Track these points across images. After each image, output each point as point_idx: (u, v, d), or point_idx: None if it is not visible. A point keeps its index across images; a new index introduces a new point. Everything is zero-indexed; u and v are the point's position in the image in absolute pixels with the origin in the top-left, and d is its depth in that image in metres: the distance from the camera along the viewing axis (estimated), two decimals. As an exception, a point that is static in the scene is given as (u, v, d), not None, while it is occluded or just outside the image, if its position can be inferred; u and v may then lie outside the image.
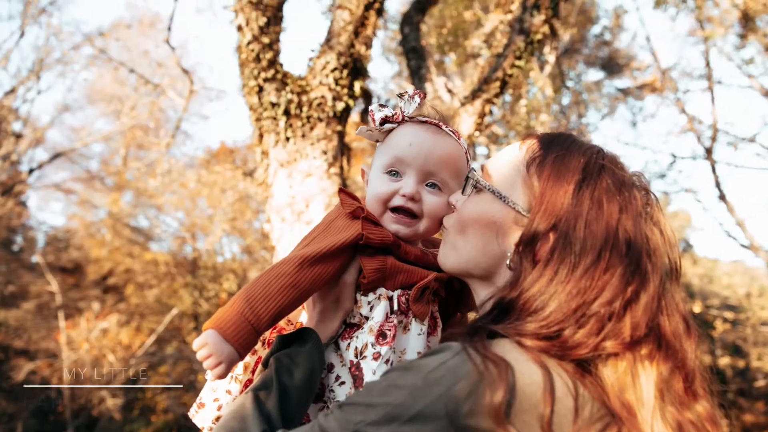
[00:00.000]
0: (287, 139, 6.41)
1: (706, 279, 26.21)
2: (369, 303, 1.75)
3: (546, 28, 8.23)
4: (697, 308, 20.51)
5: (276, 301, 1.57)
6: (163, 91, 21.93)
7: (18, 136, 22.21)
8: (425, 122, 1.86)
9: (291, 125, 6.42)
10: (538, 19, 8.11)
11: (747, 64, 17.45)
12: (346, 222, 1.78)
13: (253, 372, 1.85)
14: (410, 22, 10.35)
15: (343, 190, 1.87)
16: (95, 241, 25.17)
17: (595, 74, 23.22)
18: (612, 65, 21.75)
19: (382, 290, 1.75)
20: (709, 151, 18.19)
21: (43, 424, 20.83)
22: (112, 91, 25.75)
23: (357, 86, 6.70)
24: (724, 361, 22.39)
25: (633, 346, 1.26)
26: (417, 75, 10.05)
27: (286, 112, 6.40)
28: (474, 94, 8.31)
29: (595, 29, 21.95)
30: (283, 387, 1.50)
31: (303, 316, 1.94)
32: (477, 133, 8.44)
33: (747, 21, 15.58)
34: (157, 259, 23.47)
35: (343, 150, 6.83)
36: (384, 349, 1.64)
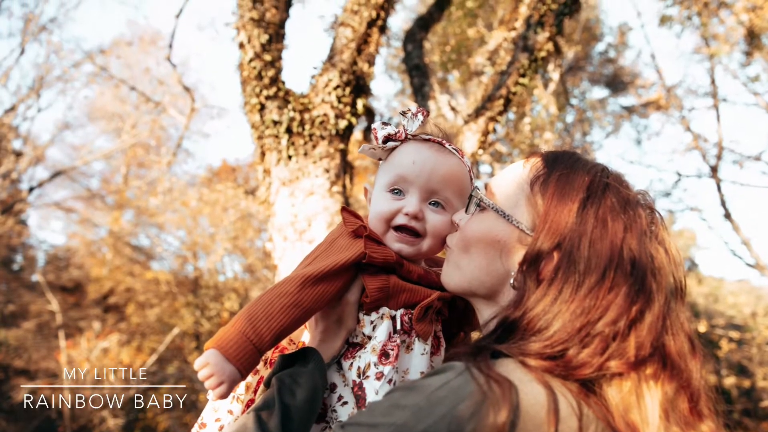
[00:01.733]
0: (289, 157, 6.41)
1: (711, 298, 26.09)
2: (372, 322, 1.74)
3: (550, 46, 8.24)
4: (702, 327, 20.43)
5: (278, 320, 1.56)
6: (164, 108, 22.01)
7: (18, 154, 22.20)
8: (428, 140, 1.86)
9: (293, 143, 6.42)
10: (542, 36, 8.14)
11: (752, 82, 17.43)
12: (348, 241, 1.78)
13: (255, 392, 1.84)
14: (413, 39, 10.40)
15: (346, 209, 1.87)
16: (96, 260, 25.11)
17: (599, 92, 23.32)
18: (616, 83, 21.81)
19: (384, 309, 1.74)
20: (714, 170, 18.14)
21: (44, 444, 20.71)
22: (112, 109, 25.76)
23: (360, 104, 6.70)
24: (730, 380, 22.24)
25: (638, 366, 1.25)
26: (420, 92, 10.08)
27: (288, 130, 6.41)
28: (477, 112, 8.32)
29: (600, 46, 22.09)
30: (286, 407, 1.49)
31: (305, 336, 1.93)
32: (480, 151, 8.44)
33: (752, 38, 15.61)
34: (158, 278, 23.35)
35: (346, 168, 6.82)
36: (387, 369, 1.63)
